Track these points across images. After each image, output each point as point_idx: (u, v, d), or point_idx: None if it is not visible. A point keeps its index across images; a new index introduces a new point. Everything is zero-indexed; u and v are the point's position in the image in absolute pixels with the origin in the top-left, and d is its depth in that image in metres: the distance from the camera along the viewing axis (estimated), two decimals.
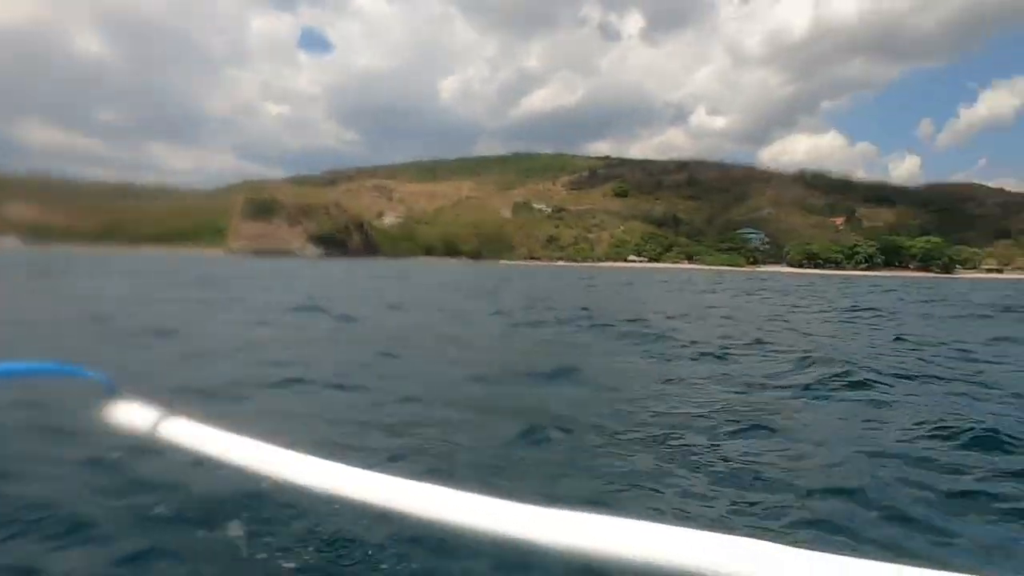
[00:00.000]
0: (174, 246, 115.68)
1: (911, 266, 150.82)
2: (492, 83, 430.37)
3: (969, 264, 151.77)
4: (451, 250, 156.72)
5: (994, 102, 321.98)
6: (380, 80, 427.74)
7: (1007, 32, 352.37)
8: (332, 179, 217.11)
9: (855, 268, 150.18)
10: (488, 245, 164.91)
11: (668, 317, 13.97)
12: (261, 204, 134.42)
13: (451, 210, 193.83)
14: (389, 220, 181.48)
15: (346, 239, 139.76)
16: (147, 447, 1.12)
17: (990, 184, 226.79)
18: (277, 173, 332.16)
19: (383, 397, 5.24)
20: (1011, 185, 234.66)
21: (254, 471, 0.96)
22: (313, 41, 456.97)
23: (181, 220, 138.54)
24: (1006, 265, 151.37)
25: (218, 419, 1.08)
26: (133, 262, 48.08)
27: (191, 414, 1.09)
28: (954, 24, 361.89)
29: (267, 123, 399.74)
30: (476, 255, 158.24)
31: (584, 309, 15.08)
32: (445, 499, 0.83)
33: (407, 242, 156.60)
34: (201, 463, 1.03)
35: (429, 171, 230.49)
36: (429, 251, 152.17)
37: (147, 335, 8.59)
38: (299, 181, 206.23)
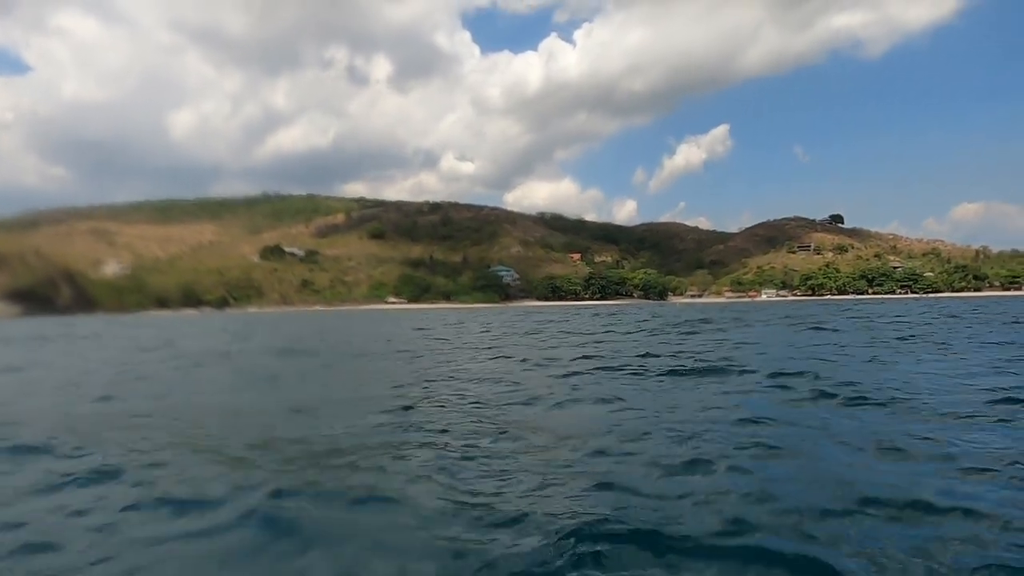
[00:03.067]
0: None
1: (635, 294, 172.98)
2: (234, 120, 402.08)
3: (678, 291, 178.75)
4: (190, 300, 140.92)
5: (688, 154, 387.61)
6: (94, 110, 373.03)
7: (695, 97, 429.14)
8: (32, 221, 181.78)
9: (591, 298, 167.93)
10: (235, 292, 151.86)
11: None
12: None
13: (190, 256, 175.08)
14: (112, 269, 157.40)
15: (51, 294, 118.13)
16: None
17: (688, 223, 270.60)
18: None
19: None
20: (704, 223, 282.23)
21: None
22: (5, 62, 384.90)
23: None
24: (704, 291, 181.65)
25: None
26: None
27: None
28: (657, 88, 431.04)
29: None
30: (222, 304, 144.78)
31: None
32: None
33: (135, 294, 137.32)
34: None
35: (161, 212, 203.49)
36: (163, 303, 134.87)
37: None
38: None
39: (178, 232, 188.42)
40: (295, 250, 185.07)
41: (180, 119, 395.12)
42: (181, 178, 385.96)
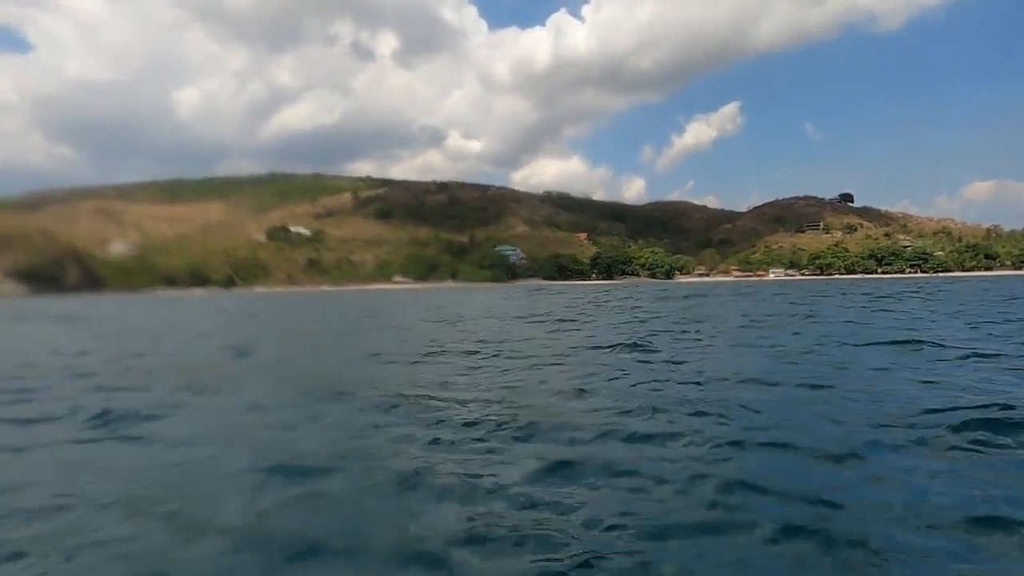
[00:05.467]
0: None
1: (640, 274, 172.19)
2: (240, 98, 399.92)
3: (685, 270, 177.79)
4: (198, 280, 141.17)
5: (698, 132, 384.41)
6: (100, 89, 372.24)
7: (705, 73, 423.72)
8: (37, 202, 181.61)
9: (598, 278, 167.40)
10: (242, 272, 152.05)
11: None
12: None
13: (197, 235, 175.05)
14: (119, 248, 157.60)
15: (58, 274, 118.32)
16: None
17: (696, 202, 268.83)
18: None
19: None
20: (712, 203, 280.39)
21: None
22: (4, 40, 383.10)
23: None
24: (712, 270, 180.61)
25: None
26: None
27: None
28: (667, 64, 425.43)
29: None
30: (228, 283, 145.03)
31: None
32: None
33: (143, 274, 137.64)
34: None
35: (168, 192, 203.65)
36: (171, 282, 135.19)
37: None
38: None
39: (185, 211, 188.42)
40: (301, 229, 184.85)
41: (185, 97, 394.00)
42: (187, 157, 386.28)
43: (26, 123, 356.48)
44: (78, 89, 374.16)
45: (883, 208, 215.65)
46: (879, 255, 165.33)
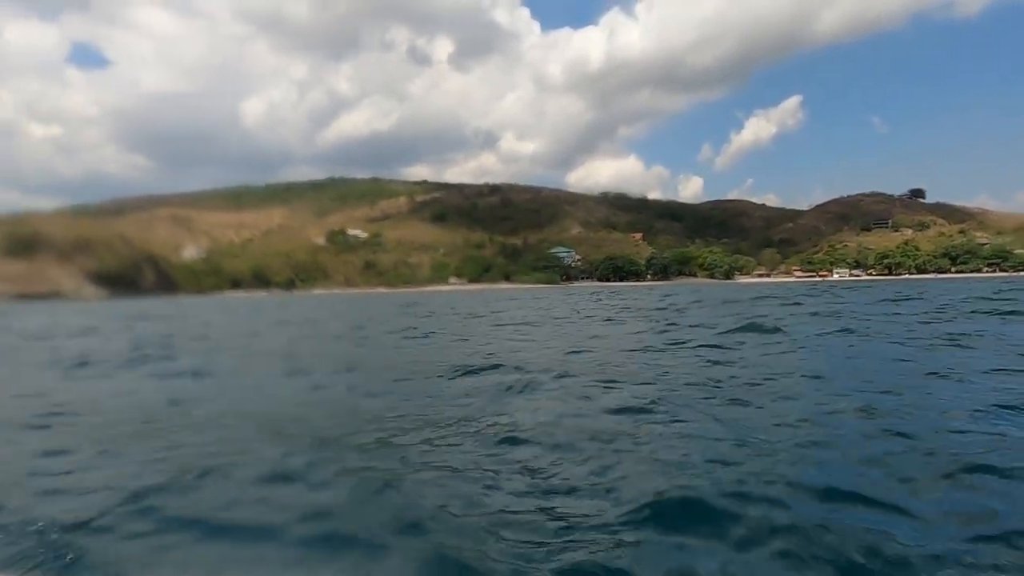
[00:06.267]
0: None
1: (698, 274, 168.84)
2: (301, 107, 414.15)
3: (744, 270, 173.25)
4: (261, 282, 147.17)
5: (757, 129, 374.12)
6: (172, 101, 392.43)
7: (766, 68, 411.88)
8: (118, 209, 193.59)
9: (653, 278, 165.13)
10: (302, 274, 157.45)
11: None
12: (20, 239, 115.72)
13: (261, 239, 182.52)
14: (190, 253, 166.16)
15: (136, 277, 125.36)
16: None
17: (756, 200, 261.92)
18: (48, 203, 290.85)
19: None
20: (772, 201, 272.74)
21: None
22: (86, 57, 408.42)
23: None
24: (773, 270, 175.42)
25: None
26: None
27: None
28: (726, 60, 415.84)
29: (32, 147, 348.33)
30: (289, 285, 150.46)
31: None
32: None
33: (212, 276, 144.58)
34: None
35: (234, 199, 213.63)
36: (236, 284, 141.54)
37: None
38: (78, 211, 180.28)
39: (250, 217, 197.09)
40: (359, 233, 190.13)
41: (251, 107, 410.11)
42: (253, 164, 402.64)
43: (104, 135, 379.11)
44: (152, 101, 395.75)
45: (958, 203, 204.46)
46: (953, 253, 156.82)
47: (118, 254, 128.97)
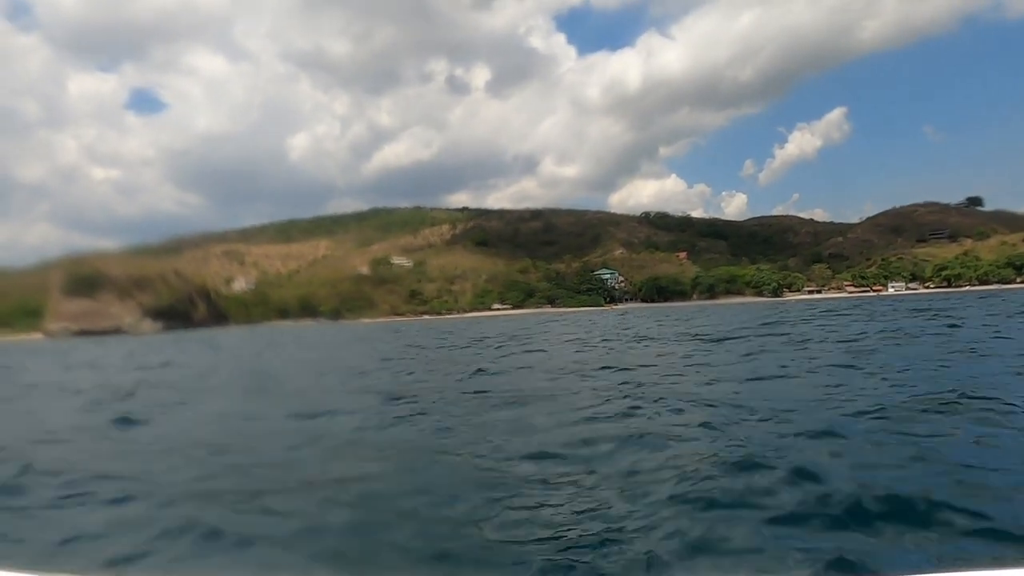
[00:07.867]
0: None
1: (746, 292, 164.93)
2: (343, 140, 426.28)
3: (794, 287, 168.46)
4: (308, 311, 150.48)
5: (801, 142, 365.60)
6: (223, 141, 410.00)
7: (807, 81, 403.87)
8: (176, 246, 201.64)
9: (699, 298, 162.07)
10: (347, 303, 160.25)
11: None
12: (83, 279, 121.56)
13: (307, 270, 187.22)
14: (239, 285, 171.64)
15: (189, 310, 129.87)
16: None
17: (802, 215, 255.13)
18: (109, 243, 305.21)
19: None
20: (819, 216, 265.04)
21: None
22: (144, 102, 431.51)
23: None
24: (823, 286, 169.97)
25: None
26: None
27: None
28: (766, 74, 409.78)
29: (93, 189, 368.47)
30: (335, 315, 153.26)
31: None
32: None
33: (259, 307, 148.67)
34: None
35: (283, 232, 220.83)
36: (283, 314, 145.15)
37: None
38: (139, 251, 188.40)
39: (297, 249, 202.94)
40: (403, 261, 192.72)
41: (297, 143, 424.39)
42: (299, 198, 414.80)
43: (160, 175, 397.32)
44: (205, 141, 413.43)
45: (1020, 211, 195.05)
46: (1018, 262, 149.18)
47: (173, 289, 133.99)
